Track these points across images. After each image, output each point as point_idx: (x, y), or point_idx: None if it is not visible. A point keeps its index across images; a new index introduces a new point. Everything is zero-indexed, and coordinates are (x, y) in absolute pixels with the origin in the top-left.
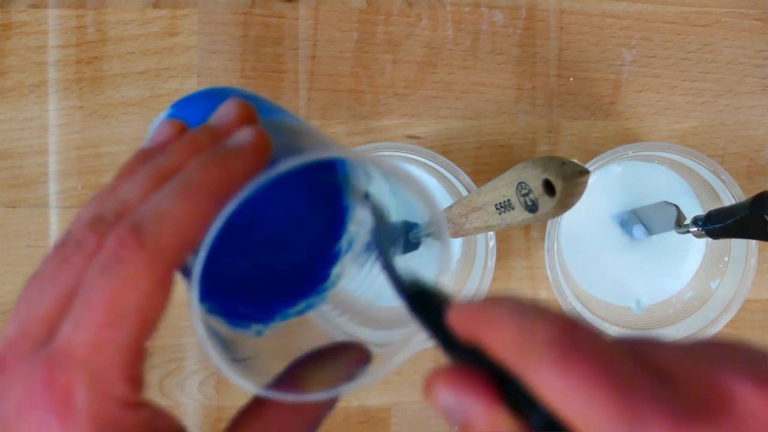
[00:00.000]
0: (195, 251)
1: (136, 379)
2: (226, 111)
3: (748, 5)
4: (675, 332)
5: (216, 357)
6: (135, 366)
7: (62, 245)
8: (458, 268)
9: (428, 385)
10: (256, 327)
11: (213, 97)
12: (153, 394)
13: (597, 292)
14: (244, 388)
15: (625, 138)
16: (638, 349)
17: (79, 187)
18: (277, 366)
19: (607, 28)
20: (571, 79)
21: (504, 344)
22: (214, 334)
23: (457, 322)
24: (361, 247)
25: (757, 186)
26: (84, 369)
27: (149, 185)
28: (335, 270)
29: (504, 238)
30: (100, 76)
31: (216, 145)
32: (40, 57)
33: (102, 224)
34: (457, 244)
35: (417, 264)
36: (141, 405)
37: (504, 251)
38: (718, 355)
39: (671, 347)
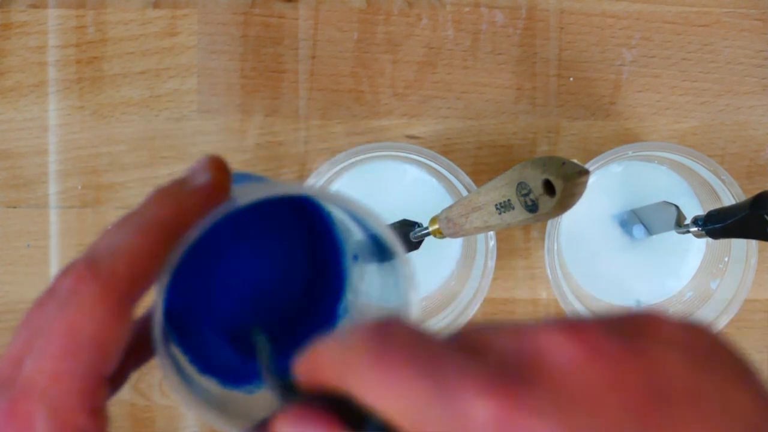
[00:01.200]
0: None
1: (96, 410)
2: (197, 163)
3: (748, 5)
4: None
5: (192, 402)
6: (95, 396)
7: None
8: (458, 268)
9: (272, 428)
10: (248, 387)
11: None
12: (153, 394)
13: (597, 292)
14: (225, 429)
15: (625, 138)
16: (462, 335)
17: (79, 187)
18: (265, 412)
19: (607, 28)
20: (571, 79)
21: (331, 370)
22: (187, 379)
23: (299, 374)
24: (360, 315)
25: (757, 186)
26: (44, 399)
27: (114, 228)
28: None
29: (504, 238)
30: (100, 76)
31: (180, 188)
32: (40, 57)
33: (70, 266)
34: (457, 244)
35: (384, 287)
36: None
37: (504, 251)
38: (533, 324)
39: (495, 327)
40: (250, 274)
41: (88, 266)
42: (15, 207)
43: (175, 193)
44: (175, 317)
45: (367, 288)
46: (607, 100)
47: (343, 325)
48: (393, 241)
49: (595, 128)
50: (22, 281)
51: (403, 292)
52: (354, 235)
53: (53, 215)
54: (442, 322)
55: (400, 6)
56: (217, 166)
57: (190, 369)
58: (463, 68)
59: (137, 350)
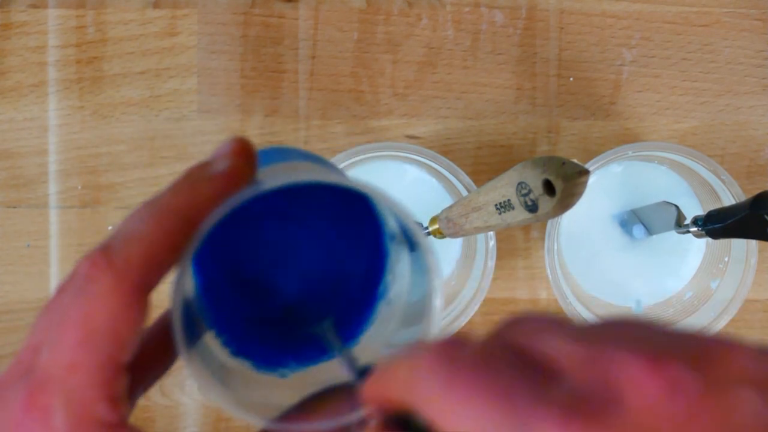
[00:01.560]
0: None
1: (115, 398)
2: (221, 145)
3: (748, 5)
4: None
5: (216, 394)
6: (113, 386)
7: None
8: (458, 268)
9: None
10: (282, 370)
11: (264, 155)
12: (153, 394)
13: (597, 292)
14: (248, 421)
15: (625, 138)
16: (523, 346)
17: (79, 187)
18: (290, 401)
19: (607, 28)
20: (571, 79)
21: (399, 391)
22: (216, 366)
23: (367, 397)
24: (395, 298)
25: (757, 186)
26: (61, 390)
27: (130, 217)
28: (368, 325)
29: (504, 238)
30: (100, 76)
31: (200, 172)
32: (40, 57)
33: (88, 254)
34: (457, 244)
35: (413, 272)
36: (122, 427)
37: (504, 251)
38: (606, 336)
39: (561, 334)
40: (285, 251)
41: (102, 253)
42: (15, 207)
43: (193, 179)
44: (210, 298)
45: (401, 270)
46: (607, 100)
47: (384, 311)
48: (415, 229)
49: (595, 128)
50: (22, 281)
51: (428, 280)
52: (388, 217)
53: (53, 215)
54: (442, 322)
55: (400, 6)
56: (240, 150)
57: (223, 352)
58: (463, 68)
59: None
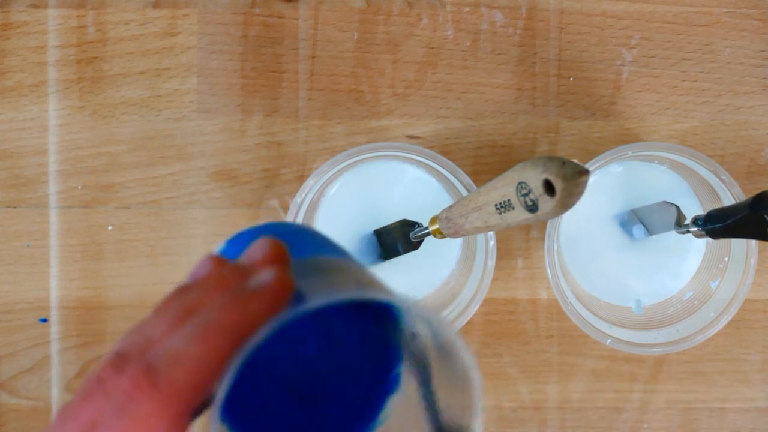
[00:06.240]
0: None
1: None
2: (256, 249)
3: (748, 5)
4: (675, 332)
5: None
6: None
7: (88, 381)
8: (458, 268)
9: None
10: None
11: (267, 233)
12: None
13: (597, 292)
14: None
15: (625, 138)
16: None
17: (79, 187)
18: None
19: (607, 28)
20: (571, 79)
21: None
22: None
23: None
24: (408, 388)
25: (757, 186)
26: None
27: (173, 322)
28: (383, 414)
29: (504, 238)
30: (100, 76)
31: (242, 282)
32: (40, 57)
33: (123, 361)
34: (457, 244)
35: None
36: None
37: (504, 251)
38: None
39: None
40: (295, 347)
41: (145, 373)
42: (15, 207)
43: (239, 294)
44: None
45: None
46: (607, 100)
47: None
48: (469, 362)
49: (595, 128)
50: (22, 281)
51: (472, 406)
52: (415, 318)
53: (53, 215)
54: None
55: (400, 6)
56: (280, 257)
57: None
58: (463, 68)
59: None
